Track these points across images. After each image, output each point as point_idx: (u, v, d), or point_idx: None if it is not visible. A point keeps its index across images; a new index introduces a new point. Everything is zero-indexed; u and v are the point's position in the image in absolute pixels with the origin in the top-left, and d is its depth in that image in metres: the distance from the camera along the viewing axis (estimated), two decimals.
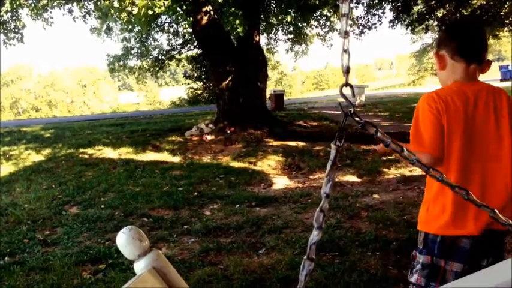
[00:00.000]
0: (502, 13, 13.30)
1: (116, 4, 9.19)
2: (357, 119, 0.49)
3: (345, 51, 0.45)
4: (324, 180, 0.45)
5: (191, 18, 10.21)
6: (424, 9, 14.58)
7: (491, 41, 17.13)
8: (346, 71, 0.47)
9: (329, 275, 3.27)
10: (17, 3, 10.42)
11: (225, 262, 3.70)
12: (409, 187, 5.71)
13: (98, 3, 11.09)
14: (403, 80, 46.22)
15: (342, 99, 0.58)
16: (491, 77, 31.83)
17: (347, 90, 0.53)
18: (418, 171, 5.82)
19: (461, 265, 1.67)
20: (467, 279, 0.45)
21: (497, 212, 0.53)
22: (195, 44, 16.64)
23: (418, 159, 0.51)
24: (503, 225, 0.56)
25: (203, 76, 26.14)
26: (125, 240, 0.86)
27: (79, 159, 8.96)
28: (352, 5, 14.67)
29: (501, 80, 25.28)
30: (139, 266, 0.86)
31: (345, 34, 0.46)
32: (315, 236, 0.44)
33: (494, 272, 0.47)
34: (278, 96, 17.71)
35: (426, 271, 1.73)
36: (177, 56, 18.86)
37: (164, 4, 8.72)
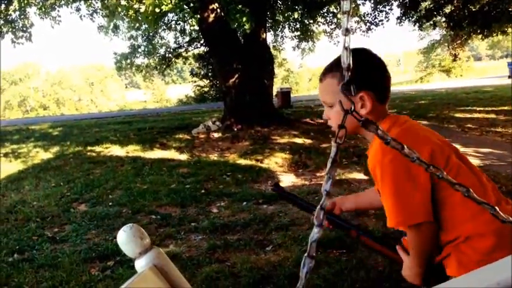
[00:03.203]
0: (510, 9, 13.18)
1: (123, 2, 9.23)
2: (357, 116, 0.50)
3: (346, 48, 0.46)
4: (324, 178, 0.46)
5: (198, 16, 10.23)
6: (431, 5, 14.50)
7: (499, 37, 16.98)
8: (347, 68, 0.48)
9: (336, 272, 3.27)
10: (25, 1, 10.48)
11: (232, 259, 3.71)
12: None
13: (106, 1, 11.14)
14: (411, 77, 45.88)
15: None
16: (500, 73, 31.55)
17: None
18: None
19: None
20: (465, 278, 0.45)
21: (497, 209, 0.53)
22: (202, 41, 16.67)
23: (418, 157, 0.51)
24: None
25: (210, 74, 26.18)
26: (125, 238, 0.87)
27: (87, 157, 9.01)
28: (359, 2, 14.70)
29: (509, 77, 25.02)
30: (140, 264, 0.86)
31: (346, 31, 0.46)
32: (315, 233, 0.45)
33: (493, 270, 0.47)
34: (285, 94, 17.70)
35: None
36: (183, 53, 18.90)
37: (171, 2, 8.74)
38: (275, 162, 7.68)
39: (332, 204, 1.62)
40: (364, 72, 1.38)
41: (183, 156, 8.57)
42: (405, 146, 0.50)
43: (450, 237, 1.39)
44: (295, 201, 1.69)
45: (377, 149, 1.33)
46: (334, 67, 1.42)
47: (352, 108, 0.49)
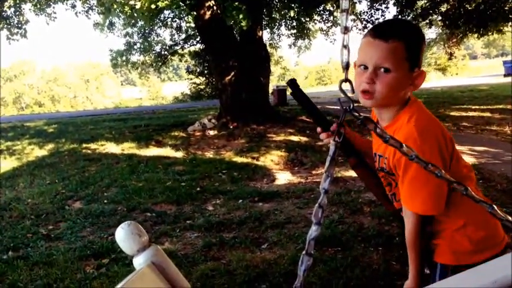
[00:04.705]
0: (506, 8, 13.22)
1: None
2: (356, 114, 0.50)
3: (345, 46, 0.46)
4: (323, 176, 0.46)
5: (194, 13, 10.20)
6: (427, 4, 14.51)
7: (495, 36, 17.03)
8: (346, 66, 0.47)
9: (331, 270, 3.27)
10: None
11: (227, 257, 3.71)
12: None
13: None
14: None
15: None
16: (495, 72, 31.65)
17: (346, 86, 0.54)
18: None
19: None
20: (462, 276, 0.46)
21: (495, 207, 0.53)
22: (198, 39, 16.63)
23: (417, 155, 0.51)
24: None
25: (206, 71, 26.13)
26: (123, 235, 0.86)
27: (82, 154, 8.99)
28: (355, 0, 14.69)
29: (505, 75, 25.11)
30: (138, 261, 0.86)
31: (345, 30, 0.46)
32: (313, 231, 0.45)
33: (489, 269, 0.47)
34: (281, 92, 17.69)
35: None
36: (179, 51, 18.84)
37: None
38: (271, 160, 7.68)
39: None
40: (423, 47, 1.36)
41: (179, 154, 8.55)
42: (404, 145, 0.50)
43: (450, 222, 1.41)
44: (307, 107, 1.51)
45: (414, 133, 1.29)
46: (405, 35, 1.32)
47: (351, 106, 0.49)
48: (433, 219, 1.42)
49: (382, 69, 1.29)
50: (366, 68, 1.32)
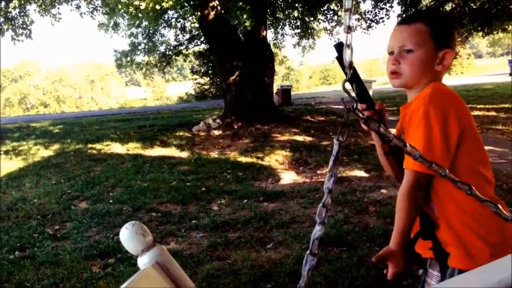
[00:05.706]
0: (511, 6, 13.14)
1: None
2: (360, 114, 0.50)
3: (348, 46, 0.46)
4: (326, 176, 0.46)
5: (198, 13, 10.21)
6: (432, 2, 14.46)
7: (500, 34, 16.94)
8: (349, 66, 0.48)
9: (337, 270, 3.27)
10: None
11: (233, 257, 3.72)
12: None
13: None
14: None
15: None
16: (500, 71, 31.52)
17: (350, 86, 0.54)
18: None
19: None
20: (466, 276, 0.46)
21: (499, 206, 0.53)
22: (202, 39, 16.63)
23: (420, 154, 0.51)
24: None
25: (210, 71, 26.16)
26: (128, 235, 0.87)
27: (87, 154, 9.01)
28: None
29: (510, 74, 24.95)
30: (143, 261, 0.87)
31: (348, 29, 0.46)
32: (317, 231, 0.45)
33: (494, 268, 0.47)
34: (285, 91, 17.69)
35: None
36: (184, 51, 18.85)
37: None
38: (275, 159, 7.68)
39: (380, 105, 1.41)
40: (453, 30, 1.42)
41: (184, 154, 8.57)
42: (408, 144, 0.50)
43: (462, 217, 1.35)
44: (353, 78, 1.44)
45: (427, 93, 1.32)
46: (429, 17, 1.43)
47: (354, 106, 0.49)
48: (430, 193, 1.37)
49: (406, 51, 1.37)
50: (393, 53, 1.40)
